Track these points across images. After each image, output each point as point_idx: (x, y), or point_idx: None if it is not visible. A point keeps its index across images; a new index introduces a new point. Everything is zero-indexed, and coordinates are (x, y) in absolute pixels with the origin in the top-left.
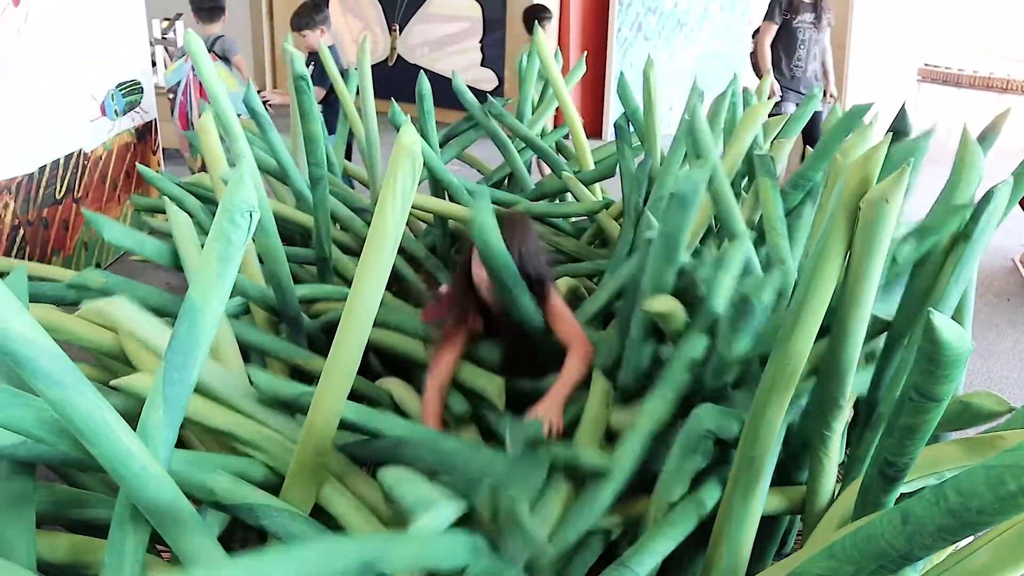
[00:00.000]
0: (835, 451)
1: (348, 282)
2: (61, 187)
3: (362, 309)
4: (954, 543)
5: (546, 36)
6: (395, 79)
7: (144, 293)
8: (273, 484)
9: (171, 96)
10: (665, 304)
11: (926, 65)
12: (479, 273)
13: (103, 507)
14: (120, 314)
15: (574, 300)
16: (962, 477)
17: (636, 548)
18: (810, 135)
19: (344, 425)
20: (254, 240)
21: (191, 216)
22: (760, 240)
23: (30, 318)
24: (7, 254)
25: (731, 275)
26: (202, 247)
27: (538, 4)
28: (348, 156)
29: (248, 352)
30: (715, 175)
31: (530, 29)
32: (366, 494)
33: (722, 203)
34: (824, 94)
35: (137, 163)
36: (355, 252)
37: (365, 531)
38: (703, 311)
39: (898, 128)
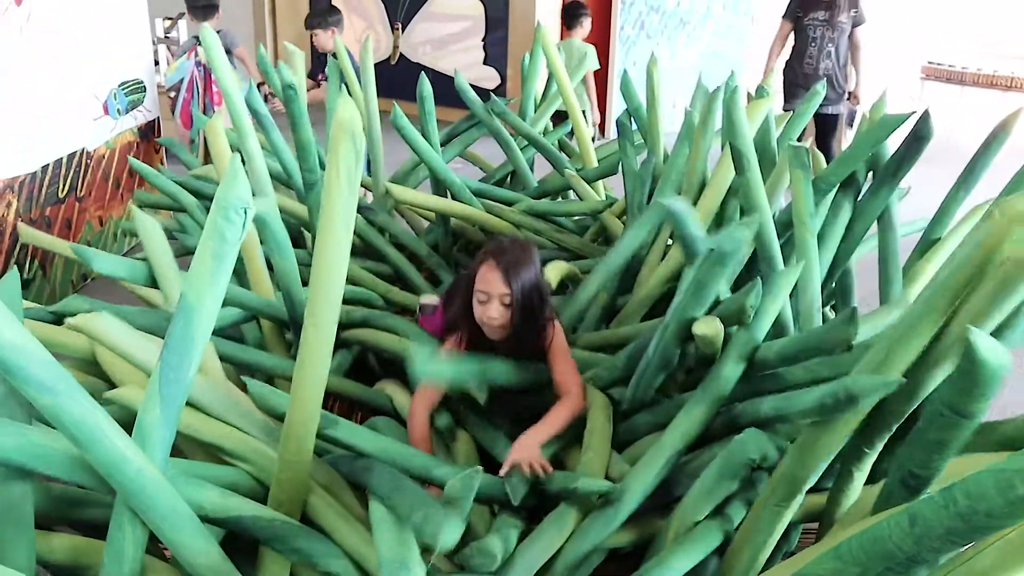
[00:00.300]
0: (867, 467)
1: (349, 282)
2: (64, 186)
3: (324, 299)
4: (962, 546)
5: (585, 33)
6: (397, 77)
7: (129, 315)
8: (261, 495)
9: (172, 95)
10: (711, 327)
11: (930, 63)
12: (481, 311)
13: (102, 508)
14: (102, 329)
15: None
16: (971, 480)
17: (656, 562)
18: (824, 138)
19: (325, 439)
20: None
21: (188, 213)
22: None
23: (20, 326)
24: (10, 253)
25: (777, 304)
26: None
27: (577, 1)
28: None
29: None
30: (762, 220)
31: (569, 25)
32: (353, 505)
33: (766, 242)
34: (849, 95)
35: (130, 157)
36: (357, 251)
37: (354, 544)
38: (743, 337)
39: (920, 132)
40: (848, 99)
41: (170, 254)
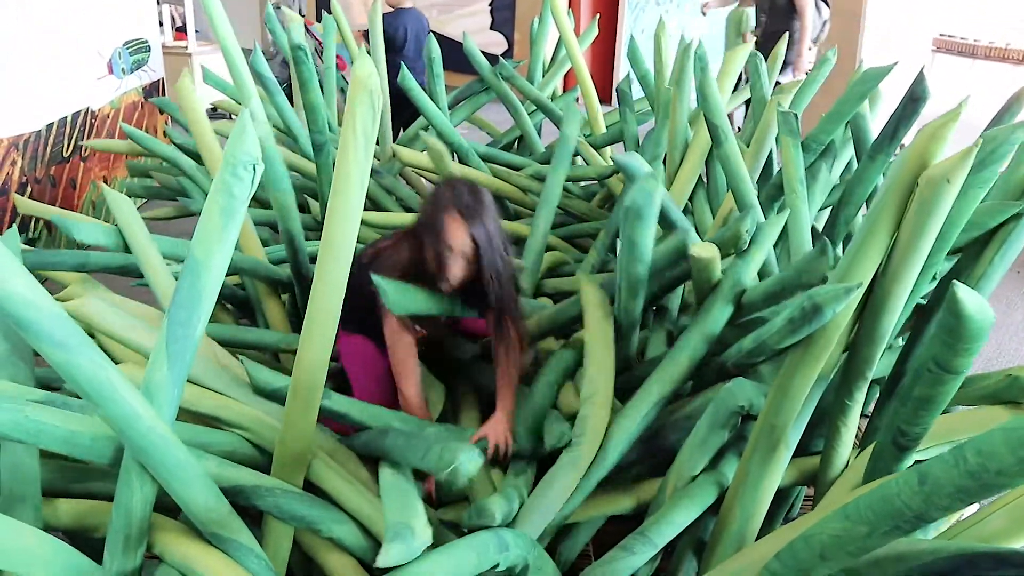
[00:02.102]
0: (854, 421)
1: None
2: (68, 145)
3: (335, 257)
4: (970, 504)
5: None
6: None
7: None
8: (262, 464)
9: None
10: (707, 251)
11: (941, 35)
12: (455, 272)
13: (107, 480)
14: (93, 312)
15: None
16: (982, 439)
17: (656, 519)
18: None
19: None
20: (268, 195)
21: (187, 176)
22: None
23: (31, 279)
24: (15, 212)
25: (763, 251)
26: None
27: None
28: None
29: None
30: (731, 156)
31: None
32: (357, 470)
33: (738, 182)
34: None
35: (121, 123)
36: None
37: (358, 505)
38: (729, 280)
39: (916, 93)
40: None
41: (144, 227)
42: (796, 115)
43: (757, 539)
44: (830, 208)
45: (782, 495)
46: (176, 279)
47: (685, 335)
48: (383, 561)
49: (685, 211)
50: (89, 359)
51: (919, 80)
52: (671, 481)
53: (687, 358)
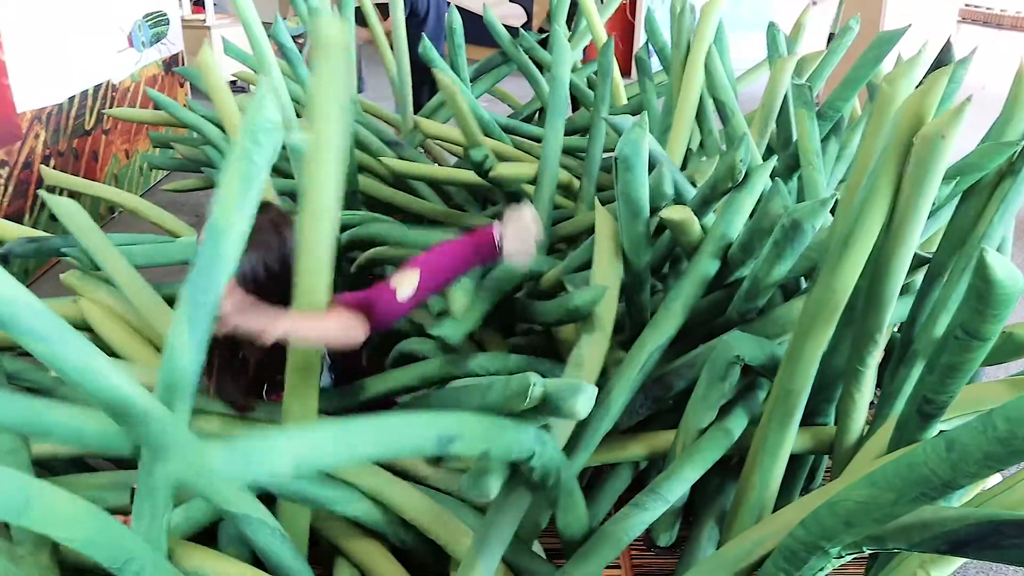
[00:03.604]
0: (868, 388)
1: (375, 209)
2: (90, 118)
3: (318, 230)
4: (998, 471)
5: None
6: None
7: (159, 253)
8: None
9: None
10: (680, 213)
11: (967, 5)
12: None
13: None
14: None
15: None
16: (1010, 406)
17: (666, 475)
18: None
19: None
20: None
21: (213, 146)
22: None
23: (6, 275)
24: (39, 184)
25: (751, 198)
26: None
27: None
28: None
29: None
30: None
31: None
32: None
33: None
34: None
35: (147, 88)
36: (390, 184)
37: (374, 483)
38: (716, 232)
39: (942, 62)
40: None
41: (98, 230)
42: (810, 87)
43: (776, 509)
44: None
45: (795, 466)
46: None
47: (677, 283)
48: (583, 412)
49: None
50: (74, 348)
51: (946, 50)
52: (681, 437)
53: (680, 305)
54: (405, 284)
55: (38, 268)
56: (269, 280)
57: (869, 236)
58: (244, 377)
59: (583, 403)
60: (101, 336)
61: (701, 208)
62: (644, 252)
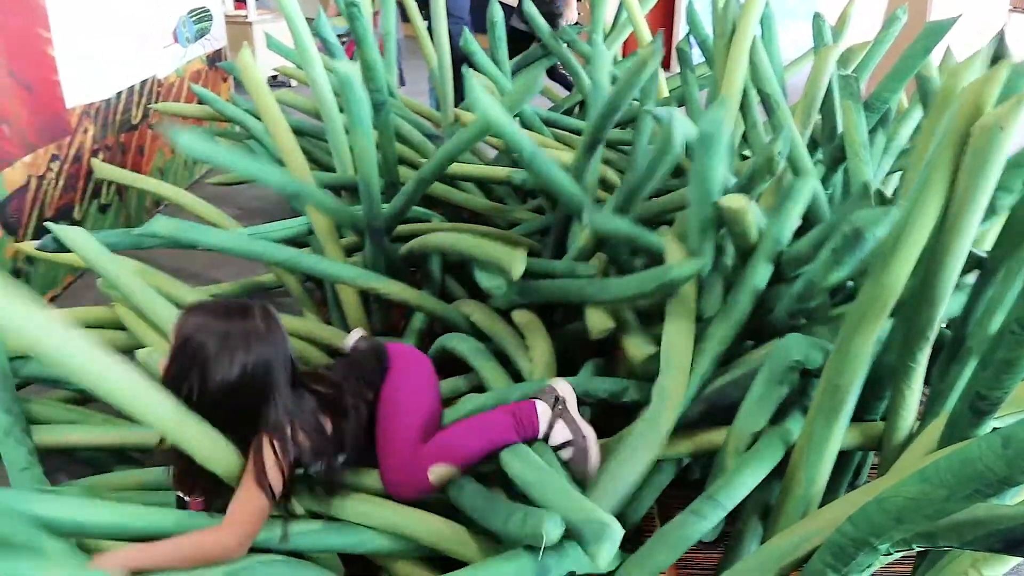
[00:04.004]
0: (918, 384)
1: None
2: (137, 113)
3: None
4: None
5: None
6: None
7: (208, 237)
8: None
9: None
10: (738, 201)
11: None
12: None
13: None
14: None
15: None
16: None
17: (725, 481)
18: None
19: None
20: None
21: (256, 139)
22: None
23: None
24: (88, 178)
25: (799, 206)
26: None
27: None
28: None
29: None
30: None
31: None
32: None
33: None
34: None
35: (192, 85)
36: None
37: (384, 516)
38: (767, 239)
39: (997, 54)
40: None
41: (107, 252)
42: (856, 78)
43: (821, 505)
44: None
45: (843, 461)
46: None
47: (733, 292)
48: (604, 564)
49: None
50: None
51: (999, 40)
52: (732, 440)
53: (738, 313)
54: (439, 473)
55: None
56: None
57: (923, 230)
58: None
59: (606, 552)
60: (137, 337)
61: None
62: (710, 239)
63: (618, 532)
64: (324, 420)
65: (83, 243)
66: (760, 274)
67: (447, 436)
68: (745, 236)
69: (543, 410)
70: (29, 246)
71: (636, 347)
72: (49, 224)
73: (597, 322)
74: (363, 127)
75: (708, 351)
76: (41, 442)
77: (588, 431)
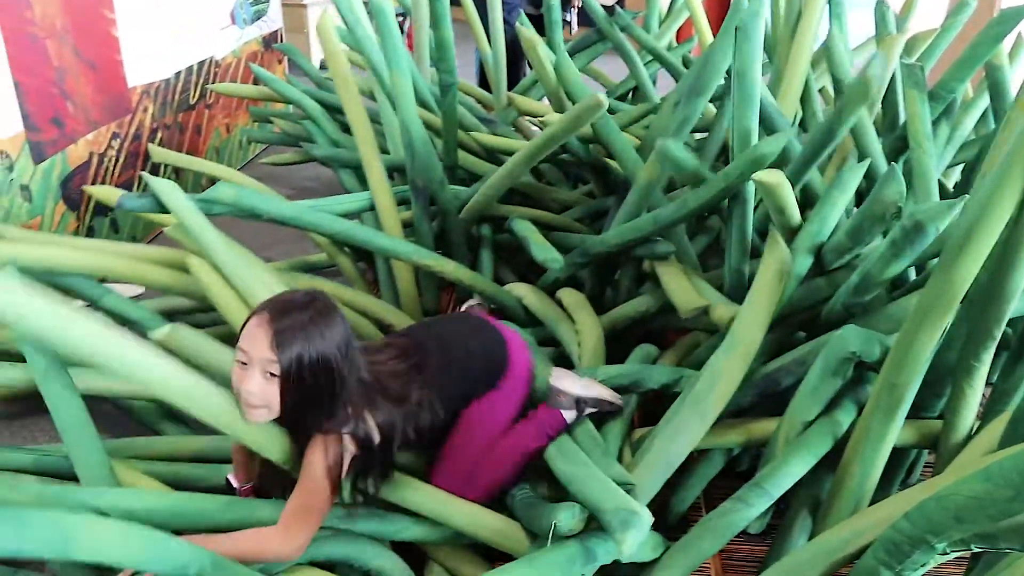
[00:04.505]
0: (980, 384)
1: (472, 183)
2: (195, 93)
3: None
4: None
5: None
6: None
7: (269, 205)
8: None
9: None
10: (773, 176)
11: None
12: (237, 378)
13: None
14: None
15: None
16: None
17: (772, 469)
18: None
19: None
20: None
21: (312, 120)
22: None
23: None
24: (146, 157)
25: (845, 196)
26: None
27: None
28: None
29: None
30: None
31: None
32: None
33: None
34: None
35: (252, 65)
36: (485, 158)
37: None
38: (810, 229)
39: None
40: None
41: (194, 209)
42: (921, 67)
43: (872, 503)
44: (962, 165)
45: (897, 458)
46: None
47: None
48: (628, 551)
49: None
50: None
51: None
52: (784, 429)
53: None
54: None
55: (147, 233)
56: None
57: (995, 227)
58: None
59: (631, 539)
60: (208, 291)
61: (803, 168)
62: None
63: (646, 520)
64: (389, 411)
65: (173, 195)
66: (799, 263)
67: (495, 474)
68: (783, 215)
69: (570, 416)
70: (107, 191)
71: (684, 297)
72: (144, 175)
73: (685, 301)
74: (400, 66)
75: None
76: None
77: (601, 394)
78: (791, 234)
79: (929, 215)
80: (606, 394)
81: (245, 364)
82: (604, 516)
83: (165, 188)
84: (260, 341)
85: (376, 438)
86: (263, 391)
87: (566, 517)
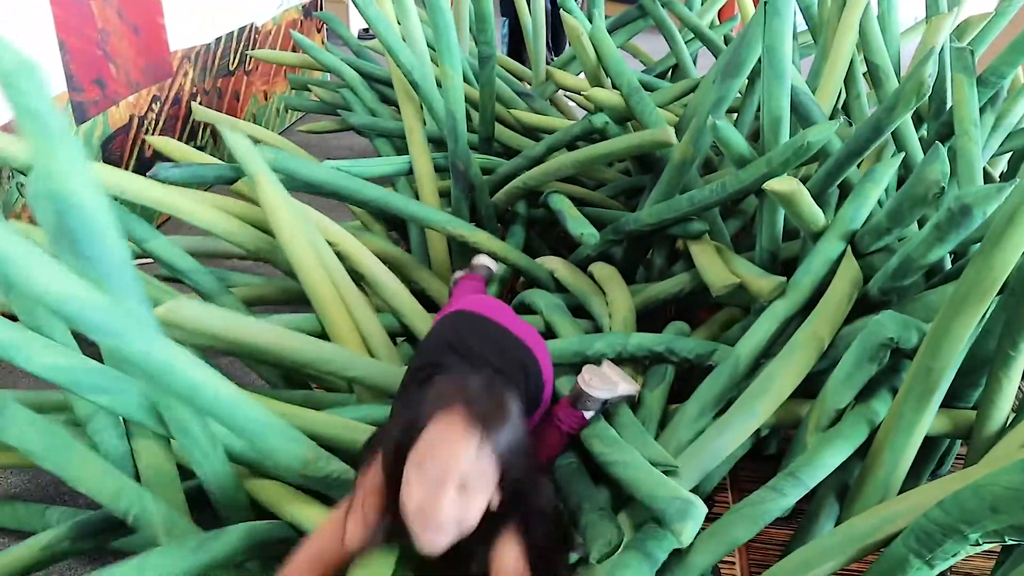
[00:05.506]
0: (1017, 374)
1: (510, 155)
2: (234, 59)
3: None
4: None
5: None
6: None
7: (306, 169)
8: None
9: None
10: (786, 184)
11: None
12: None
13: None
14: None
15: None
16: None
17: (807, 459)
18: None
19: None
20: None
21: (350, 88)
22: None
23: (68, 276)
24: (185, 121)
25: (878, 188)
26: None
27: None
28: None
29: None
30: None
31: None
32: None
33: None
34: None
35: (292, 32)
36: (520, 132)
37: None
38: (845, 216)
39: None
40: None
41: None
42: (972, 51)
43: (901, 492)
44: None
45: (928, 448)
46: None
47: (805, 259)
48: (687, 541)
49: None
50: (142, 341)
51: None
52: (815, 414)
53: (809, 282)
54: None
55: None
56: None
57: None
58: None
59: (690, 530)
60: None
61: (845, 163)
62: (783, 132)
63: (701, 510)
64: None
65: (241, 145)
66: (831, 248)
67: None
68: (805, 222)
69: (592, 416)
70: (168, 142)
71: (716, 274)
72: (195, 106)
73: (718, 278)
74: (451, 56)
75: (783, 313)
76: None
77: (626, 391)
78: (818, 236)
79: (976, 199)
80: (631, 389)
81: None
82: (658, 505)
83: (234, 137)
84: (459, 449)
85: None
86: (459, 509)
87: (599, 547)
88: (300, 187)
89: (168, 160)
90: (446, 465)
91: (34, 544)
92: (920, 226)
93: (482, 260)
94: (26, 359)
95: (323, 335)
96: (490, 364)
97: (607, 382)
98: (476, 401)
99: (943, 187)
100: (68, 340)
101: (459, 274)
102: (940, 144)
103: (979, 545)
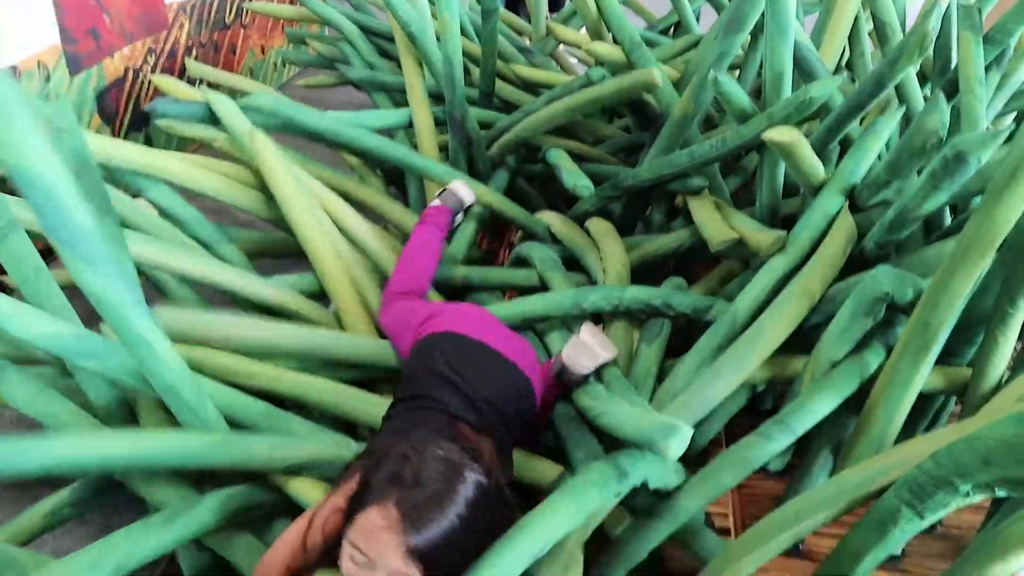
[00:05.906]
0: (1014, 333)
1: (509, 111)
2: (231, 12)
3: None
4: None
5: None
6: None
7: (306, 116)
8: None
9: None
10: (786, 135)
11: None
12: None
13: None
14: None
15: None
16: None
17: (796, 406)
18: None
19: None
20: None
21: (349, 42)
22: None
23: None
24: (180, 75)
25: (879, 142)
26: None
27: None
28: None
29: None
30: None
31: None
32: None
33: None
34: None
35: None
36: (521, 87)
37: None
38: (844, 170)
39: None
40: None
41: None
42: (979, 8)
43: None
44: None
45: (922, 405)
46: None
47: (803, 216)
48: (674, 455)
49: None
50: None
51: None
52: (810, 368)
53: (807, 237)
54: None
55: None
56: None
57: None
58: None
59: (675, 445)
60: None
61: (847, 117)
62: (786, 89)
63: (687, 430)
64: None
65: (226, 107)
66: (830, 202)
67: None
68: (805, 174)
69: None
70: (173, 82)
71: (715, 229)
72: (189, 62)
73: (717, 233)
74: (450, 4)
75: (780, 267)
76: None
77: (607, 358)
78: (817, 190)
79: (971, 145)
80: (608, 356)
81: (363, 567)
82: (643, 433)
83: (220, 100)
84: (388, 549)
85: None
86: None
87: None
88: (301, 134)
89: None
90: (376, 556)
91: (37, 511)
92: None
93: (455, 187)
94: (18, 327)
95: (321, 295)
96: (483, 397)
97: (590, 354)
98: (411, 513)
99: (942, 137)
100: (65, 306)
101: (436, 203)
102: (939, 92)
103: (969, 496)
